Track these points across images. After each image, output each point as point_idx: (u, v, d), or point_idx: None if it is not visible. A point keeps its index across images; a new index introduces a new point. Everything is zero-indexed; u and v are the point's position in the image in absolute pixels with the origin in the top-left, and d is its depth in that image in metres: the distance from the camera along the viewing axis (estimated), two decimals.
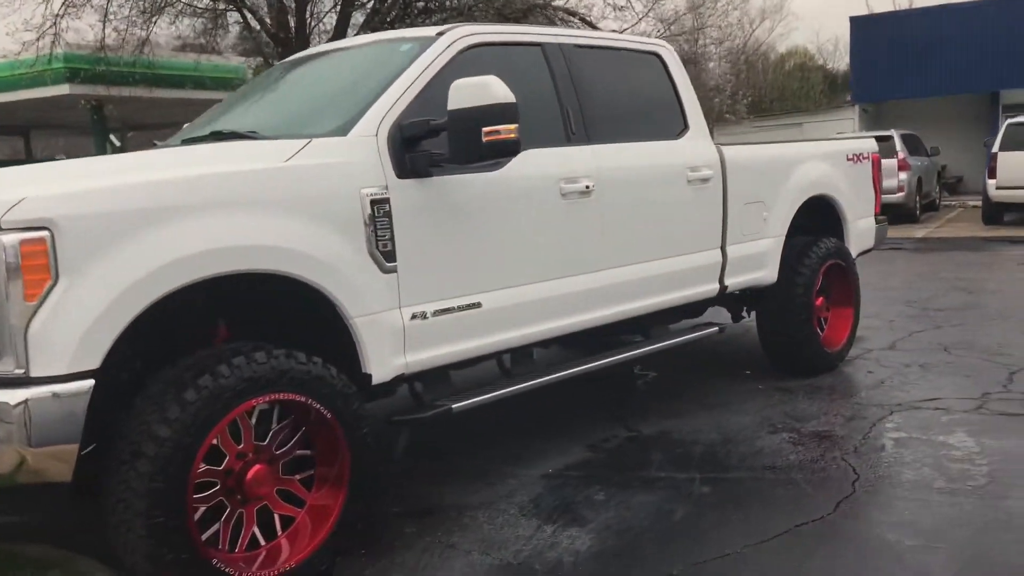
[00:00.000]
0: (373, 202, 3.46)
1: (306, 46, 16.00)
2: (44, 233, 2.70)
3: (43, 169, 3.54)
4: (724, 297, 5.52)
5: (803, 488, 3.97)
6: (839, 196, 6.16)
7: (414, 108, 3.71)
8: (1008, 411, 4.90)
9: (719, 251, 5.20)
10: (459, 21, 15.08)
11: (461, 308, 3.81)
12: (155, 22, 16.82)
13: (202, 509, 3.03)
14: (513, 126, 3.51)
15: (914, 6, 32.90)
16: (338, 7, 16.54)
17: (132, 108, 17.43)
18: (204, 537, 3.00)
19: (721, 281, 5.24)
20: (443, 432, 4.92)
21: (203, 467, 2.98)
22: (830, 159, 6.15)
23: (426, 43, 4.01)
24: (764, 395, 5.51)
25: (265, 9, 16.06)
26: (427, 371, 3.83)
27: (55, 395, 2.69)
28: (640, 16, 18.27)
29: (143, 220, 2.88)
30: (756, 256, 5.46)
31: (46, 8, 15.65)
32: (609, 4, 18.14)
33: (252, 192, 3.16)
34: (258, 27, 16.35)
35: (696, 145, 5.07)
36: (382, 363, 3.53)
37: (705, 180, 5.03)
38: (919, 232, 15.73)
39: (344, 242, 3.37)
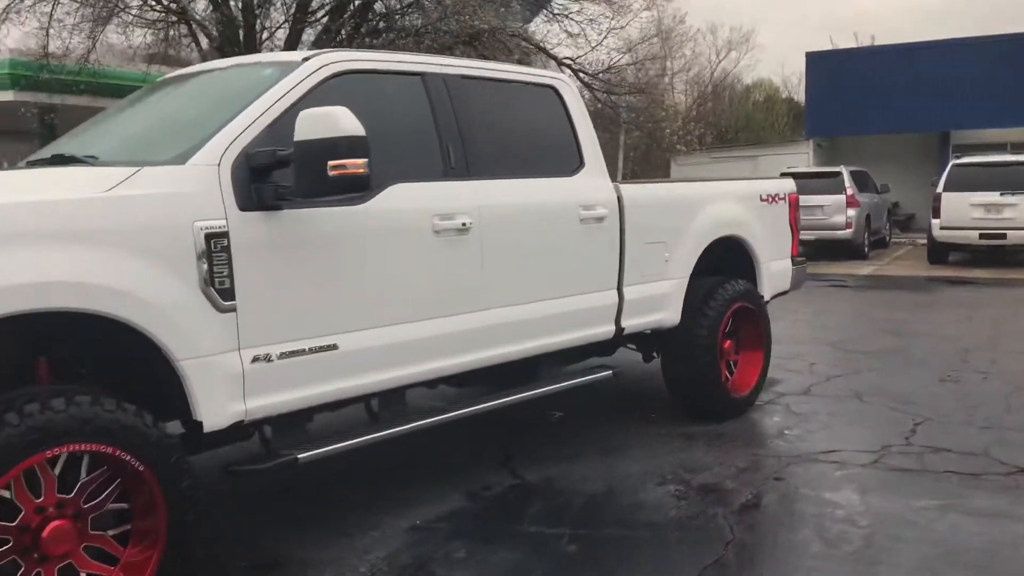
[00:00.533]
0: (208, 236, 3.23)
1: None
2: None
3: None
4: (627, 338, 5.35)
5: (672, 549, 3.78)
6: (751, 237, 6.02)
7: (267, 137, 3.49)
8: (902, 466, 4.75)
9: (615, 292, 5.02)
10: (410, 42, 14.98)
11: (314, 350, 3.58)
12: (101, 31, 16.51)
13: None
14: (362, 160, 3.30)
15: (875, 44, 33.35)
16: (288, 22, 16.32)
17: (78, 117, 17.05)
18: None
19: (617, 323, 5.06)
20: (319, 473, 4.67)
21: None
22: (742, 199, 6.03)
23: (289, 68, 3.80)
24: (663, 441, 5.32)
25: (213, 24, 15.77)
26: (277, 417, 3.60)
27: None
28: (593, 45, 18.21)
29: None
30: (656, 298, 5.29)
31: None
32: (565, 31, 18.13)
33: (61, 224, 2.91)
34: (206, 41, 16.06)
35: (591, 183, 4.90)
36: (215, 409, 3.28)
37: (600, 219, 4.86)
38: (865, 269, 15.76)
39: (170, 278, 3.13)
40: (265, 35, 16.77)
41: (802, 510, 4.18)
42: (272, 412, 3.50)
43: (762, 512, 4.18)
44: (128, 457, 2.94)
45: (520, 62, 16.89)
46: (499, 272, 4.30)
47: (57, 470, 2.89)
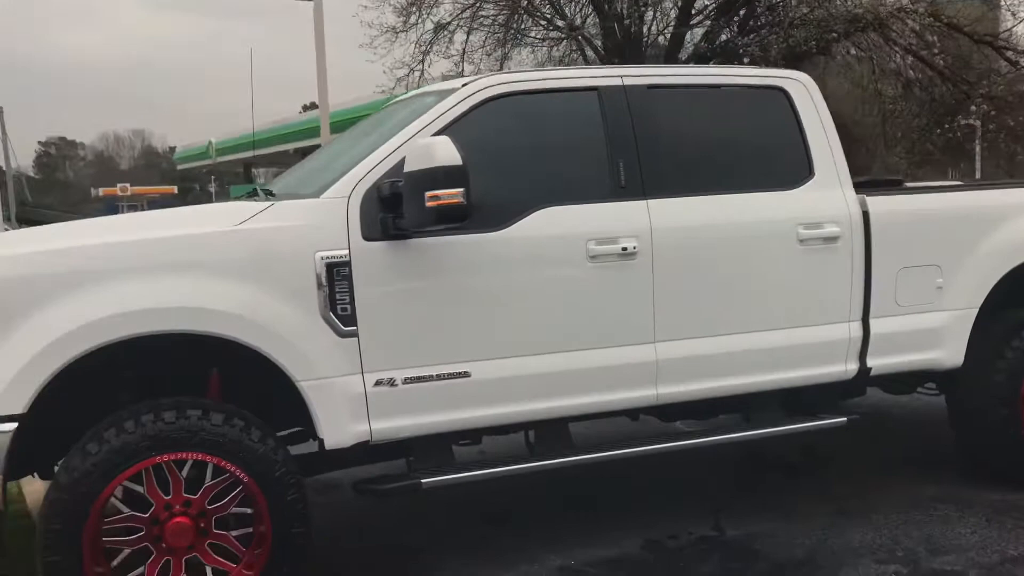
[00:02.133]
0: (329, 265, 3.41)
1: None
2: None
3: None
4: (887, 379, 4.51)
5: None
6: None
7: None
8: None
9: (859, 324, 4.23)
10: (778, 36, 14.05)
11: (442, 376, 3.58)
12: (507, 54, 18.13)
13: (126, 551, 3.23)
14: (457, 191, 3.22)
15: None
16: (670, 28, 16.35)
17: None
18: None
19: (862, 360, 4.26)
20: (514, 496, 4.68)
21: (125, 513, 3.19)
22: None
23: (445, 95, 3.84)
24: (927, 507, 4.37)
25: (598, 36, 16.41)
26: (419, 439, 3.68)
27: None
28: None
29: (75, 280, 3.16)
30: (924, 332, 4.35)
31: (415, 48, 17.66)
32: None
33: (189, 256, 3.30)
34: (592, 55, 16.77)
35: (820, 196, 4.18)
36: (337, 429, 3.46)
37: (830, 239, 4.13)
38: None
39: (290, 306, 3.36)
40: (648, 40, 17.01)
41: None
42: (399, 435, 3.58)
43: None
44: (232, 467, 3.23)
45: (920, 38, 14.97)
46: (676, 301, 3.89)
47: (184, 474, 3.27)
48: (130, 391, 3.42)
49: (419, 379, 3.55)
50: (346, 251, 3.44)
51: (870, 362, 4.28)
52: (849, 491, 4.65)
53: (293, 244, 3.41)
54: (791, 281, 4.11)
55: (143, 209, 14.68)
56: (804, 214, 4.12)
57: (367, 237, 3.47)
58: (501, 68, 18.45)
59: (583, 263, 3.75)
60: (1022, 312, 4.55)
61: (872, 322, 4.26)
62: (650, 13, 16.41)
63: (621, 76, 4.05)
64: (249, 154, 29.29)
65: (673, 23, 16.34)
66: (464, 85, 3.87)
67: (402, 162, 3.50)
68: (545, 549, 4.03)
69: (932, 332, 4.37)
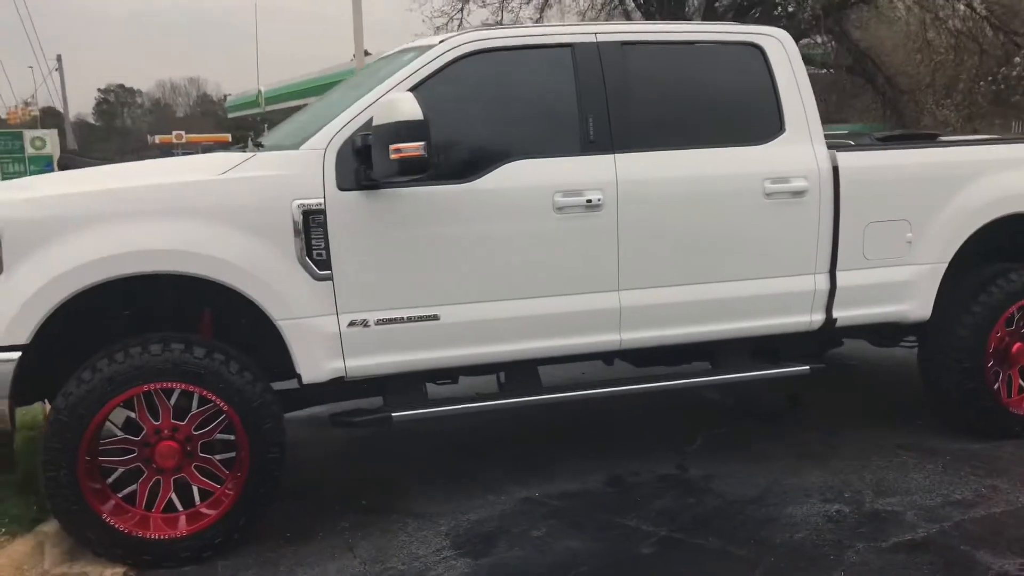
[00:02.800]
0: (306, 213, 3.67)
1: (673, 18, 15.98)
2: None
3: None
4: (855, 330, 4.65)
5: (747, 558, 3.34)
6: None
7: None
8: None
9: (825, 276, 4.38)
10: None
11: (412, 319, 3.85)
12: (545, 2, 18.09)
13: (120, 471, 3.59)
14: (418, 144, 3.44)
15: None
16: None
17: None
18: (121, 493, 3.57)
19: (828, 312, 4.42)
20: (495, 434, 4.97)
21: (118, 436, 3.55)
22: None
23: (423, 51, 4.03)
24: (888, 454, 4.54)
25: None
26: (392, 377, 3.97)
27: None
28: None
29: (73, 224, 3.47)
30: (892, 285, 4.48)
31: None
32: None
33: (174, 202, 3.58)
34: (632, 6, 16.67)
35: (789, 151, 4.30)
36: (313, 365, 3.75)
37: (798, 193, 4.27)
38: None
39: (269, 250, 3.63)
40: None
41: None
42: (371, 372, 3.86)
43: (900, 558, 3.43)
44: (214, 397, 3.55)
45: None
46: (640, 251, 4.08)
47: (172, 402, 3.60)
48: (136, 329, 3.73)
49: (390, 320, 3.82)
50: (321, 200, 3.69)
51: (836, 313, 4.43)
52: (817, 438, 4.83)
53: (272, 192, 3.66)
54: (757, 233, 4.26)
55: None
56: (771, 169, 4.25)
57: (341, 187, 3.72)
58: (541, 17, 18.45)
59: (549, 214, 3.95)
60: (990, 269, 4.64)
61: (839, 275, 4.40)
62: None
63: (595, 33, 4.20)
64: (299, 103, 29.66)
65: None
66: (441, 42, 4.05)
67: None
68: (513, 483, 4.31)
69: (900, 285, 4.50)
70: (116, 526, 3.51)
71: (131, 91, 70.09)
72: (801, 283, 4.35)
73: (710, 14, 16.51)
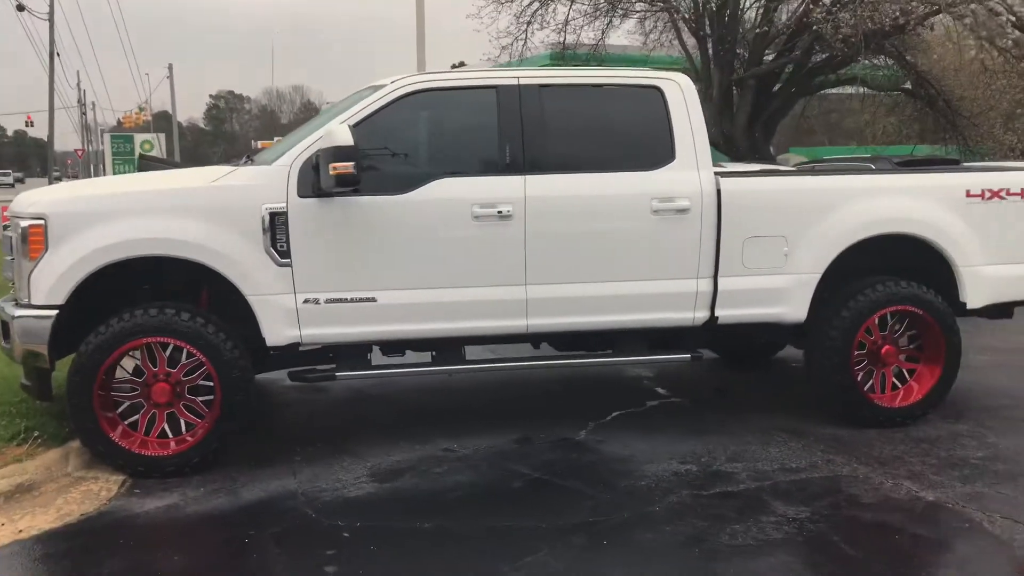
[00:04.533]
0: (272, 214, 4.79)
1: (730, 47, 16.69)
2: (41, 221, 4.66)
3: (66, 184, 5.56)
4: (740, 328, 5.49)
5: (589, 495, 4.27)
6: (940, 237, 5.43)
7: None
8: None
9: (708, 281, 5.25)
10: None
11: (355, 300, 4.92)
12: (608, 23, 18.97)
13: (126, 403, 4.77)
14: (349, 163, 4.50)
15: None
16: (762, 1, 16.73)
17: None
18: (127, 421, 4.76)
19: (712, 310, 5.28)
20: (442, 400, 6.01)
21: (124, 376, 4.74)
22: (929, 194, 5.46)
23: (376, 89, 5.11)
24: (765, 433, 5.36)
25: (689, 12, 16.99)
26: (340, 346, 5.06)
27: (35, 316, 4.66)
28: None
29: (97, 217, 4.68)
30: (770, 291, 5.32)
31: (519, 19, 18.81)
32: None
33: (175, 203, 4.75)
34: (683, 26, 17.39)
35: (677, 176, 5.18)
36: (276, 332, 4.86)
37: (682, 211, 5.15)
38: None
39: (243, 241, 4.77)
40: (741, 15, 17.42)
41: (753, 529, 4.19)
42: (321, 340, 4.97)
43: (710, 502, 4.29)
44: (195, 350, 4.70)
45: None
46: (545, 254, 5.04)
47: (167, 354, 4.77)
48: (151, 300, 4.93)
49: (337, 300, 4.90)
50: (284, 204, 4.81)
51: (718, 312, 5.30)
52: (716, 419, 5.67)
53: (247, 198, 4.80)
54: (645, 243, 5.17)
55: None
56: (658, 190, 5.15)
57: (301, 195, 4.82)
58: (602, 38, 19.27)
59: (468, 222, 4.97)
60: (860, 283, 5.40)
61: (721, 280, 5.27)
62: None
63: (517, 77, 5.21)
64: None
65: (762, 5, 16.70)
66: (392, 82, 5.13)
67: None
68: (441, 436, 5.34)
69: (777, 291, 5.33)
70: (122, 445, 4.70)
71: (240, 97, 74.08)
72: (685, 285, 5.24)
73: (761, 37, 17.09)
